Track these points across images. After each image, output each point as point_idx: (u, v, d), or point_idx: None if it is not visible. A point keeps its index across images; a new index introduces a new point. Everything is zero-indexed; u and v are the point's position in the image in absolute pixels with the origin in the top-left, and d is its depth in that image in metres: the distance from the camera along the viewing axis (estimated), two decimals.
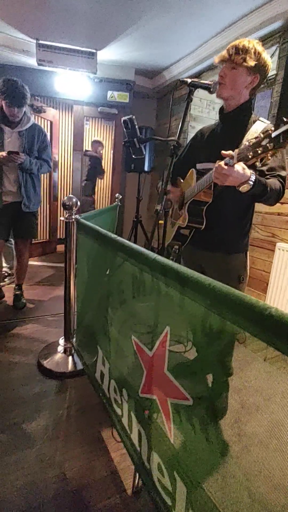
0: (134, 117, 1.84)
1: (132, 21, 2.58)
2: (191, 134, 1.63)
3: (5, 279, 2.96)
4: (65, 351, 1.83)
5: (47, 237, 4.28)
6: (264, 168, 1.11)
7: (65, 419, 1.40)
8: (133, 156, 2.01)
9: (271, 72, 2.47)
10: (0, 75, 2.12)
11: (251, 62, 1.08)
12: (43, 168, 2.34)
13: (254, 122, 1.15)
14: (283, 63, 2.35)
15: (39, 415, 1.41)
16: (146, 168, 3.53)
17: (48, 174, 4.03)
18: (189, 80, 1.15)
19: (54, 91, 3.51)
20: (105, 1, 2.31)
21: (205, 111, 3.60)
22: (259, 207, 2.43)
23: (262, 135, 0.86)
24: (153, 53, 3.19)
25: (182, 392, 0.75)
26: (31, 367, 1.75)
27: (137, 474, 1.09)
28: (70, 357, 1.80)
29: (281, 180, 1.11)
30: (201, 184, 1.17)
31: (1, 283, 2.64)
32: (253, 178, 0.98)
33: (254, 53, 1.09)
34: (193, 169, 1.27)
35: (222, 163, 0.98)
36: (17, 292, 2.55)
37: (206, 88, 1.15)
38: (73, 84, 3.50)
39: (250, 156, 0.89)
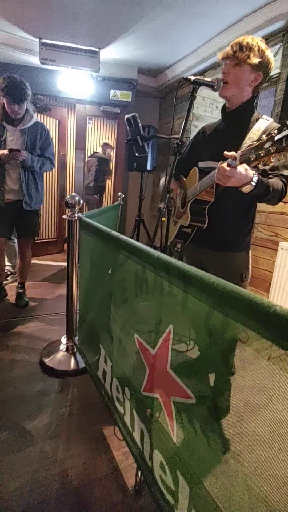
0: (137, 115, 1.83)
1: (135, 20, 2.58)
2: (194, 133, 1.63)
3: (8, 278, 2.97)
4: (67, 350, 1.83)
5: (55, 236, 4.28)
6: (267, 167, 1.11)
7: (67, 417, 1.40)
8: (136, 154, 2.00)
9: (275, 70, 2.47)
10: (3, 74, 2.11)
11: (255, 60, 1.08)
12: (45, 166, 2.33)
13: (257, 120, 1.14)
14: (287, 62, 2.34)
15: (41, 413, 1.41)
16: (148, 167, 3.52)
17: (56, 173, 4.04)
18: (192, 78, 1.15)
19: (57, 90, 3.51)
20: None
21: (208, 110, 3.59)
22: (262, 206, 2.43)
23: (265, 138, 0.86)
24: (156, 52, 3.18)
25: (185, 391, 0.75)
26: (33, 365, 1.75)
27: (139, 473, 1.09)
28: (72, 356, 1.80)
29: (283, 180, 1.10)
30: (204, 183, 1.17)
31: (4, 282, 2.65)
32: (255, 179, 0.98)
33: (258, 50, 1.09)
34: (196, 168, 1.27)
35: (224, 164, 0.98)
36: (19, 291, 2.55)
37: (210, 85, 1.14)
38: (75, 82, 3.49)
39: (252, 159, 0.90)
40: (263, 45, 1.10)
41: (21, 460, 1.17)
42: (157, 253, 0.81)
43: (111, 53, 3.25)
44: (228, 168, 0.96)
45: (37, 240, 4.00)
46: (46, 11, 2.52)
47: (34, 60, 3.16)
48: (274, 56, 2.44)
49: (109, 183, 4.83)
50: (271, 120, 1.14)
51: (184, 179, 1.39)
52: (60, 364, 1.75)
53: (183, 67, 3.36)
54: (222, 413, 0.75)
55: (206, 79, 1.16)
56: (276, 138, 0.82)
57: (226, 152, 0.98)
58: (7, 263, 2.95)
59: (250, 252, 1.31)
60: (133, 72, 3.63)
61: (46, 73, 3.40)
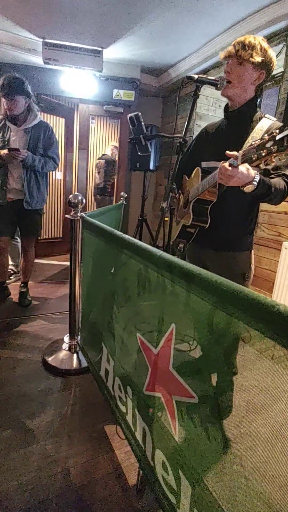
0: (140, 114, 1.83)
1: (138, 19, 2.57)
2: (197, 132, 1.62)
3: (11, 277, 2.98)
4: (70, 349, 1.83)
5: (61, 235, 4.29)
6: (269, 166, 1.11)
7: (70, 416, 1.41)
8: (139, 154, 2.00)
9: (279, 69, 2.46)
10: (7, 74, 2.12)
11: (258, 58, 1.08)
12: (48, 165, 2.32)
13: (259, 119, 1.14)
14: None
15: (43, 411, 1.41)
16: (151, 167, 3.52)
17: (62, 172, 4.05)
18: (196, 76, 1.14)
19: (60, 90, 3.51)
20: None
21: (211, 109, 3.58)
22: (265, 206, 2.41)
23: (266, 137, 0.86)
24: (159, 51, 3.18)
25: (188, 390, 0.74)
26: (36, 364, 1.76)
27: (141, 472, 1.09)
28: (75, 355, 1.81)
29: (286, 179, 1.10)
30: (206, 183, 1.17)
31: (7, 281, 2.66)
32: (257, 178, 0.98)
33: (260, 49, 1.09)
34: (198, 168, 1.27)
35: (226, 164, 0.98)
36: (22, 290, 2.56)
37: (213, 84, 1.14)
38: (79, 82, 3.50)
39: (254, 158, 0.90)
40: (265, 44, 1.11)
41: (24, 458, 1.18)
42: (159, 252, 0.81)
43: (114, 52, 3.24)
44: (230, 168, 0.96)
45: (43, 240, 4.02)
46: (49, 11, 2.53)
47: (37, 60, 3.16)
48: (277, 55, 2.44)
49: (112, 183, 4.89)
50: (274, 119, 1.13)
51: (187, 179, 1.39)
52: (63, 363, 1.75)
53: (186, 66, 3.35)
54: (225, 413, 0.74)
55: (210, 77, 1.15)
56: (278, 137, 0.82)
57: (228, 152, 0.98)
58: (10, 262, 2.96)
59: (252, 251, 1.31)
60: (136, 71, 3.62)
61: (49, 73, 3.41)
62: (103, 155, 4.81)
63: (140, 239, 3.17)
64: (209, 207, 1.21)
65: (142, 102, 3.92)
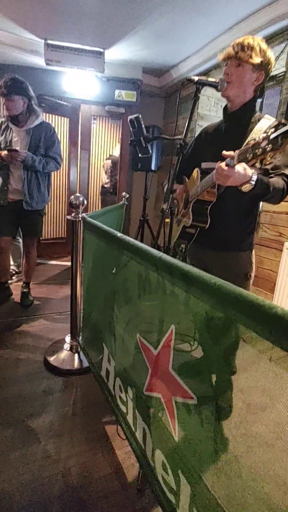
0: (140, 116, 1.84)
1: (139, 20, 2.58)
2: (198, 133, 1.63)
3: (13, 277, 3.00)
4: (71, 349, 1.84)
5: (64, 236, 4.30)
6: (269, 166, 1.11)
7: (71, 416, 1.41)
8: (140, 155, 2.01)
9: (281, 69, 2.45)
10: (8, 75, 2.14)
11: (257, 59, 1.09)
12: (49, 165, 2.31)
13: (259, 120, 1.14)
14: None
15: (44, 411, 1.42)
16: (153, 167, 3.52)
17: (65, 172, 4.05)
18: (196, 78, 1.15)
19: (62, 91, 3.52)
20: (112, 0, 2.31)
21: (213, 110, 3.58)
22: (267, 206, 2.41)
23: (261, 137, 0.86)
24: (161, 52, 3.18)
25: (187, 391, 0.75)
26: (37, 364, 1.77)
27: (142, 472, 1.09)
28: (76, 355, 1.82)
29: (285, 179, 1.10)
30: (205, 183, 1.17)
31: (9, 281, 2.67)
32: (254, 178, 0.99)
33: (259, 50, 1.10)
34: (197, 169, 1.27)
35: (223, 164, 0.99)
36: (24, 290, 2.57)
37: (213, 86, 1.14)
38: (80, 83, 3.51)
39: (250, 157, 0.90)
40: (264, 45, 1.11)
41: (25, 458, 1.19)
42: (159, 254, 0.82)
43: (116, 53, 3.25)
44: (226, 168, 0.97)
45: (46, 240, 4.03)
46: (51, 12, 2.54)
47: (39, 61, 3.17)
48: (279, 54, 2.44)
49: None
50: (273, 119, 1.13)
51: (187, 180, 1.40)
52: (64, 363, 1.76)
53: (188, 66, 3.35)
54: (225, 414, 0.75)
55: (210, 79, 1.16)
56: (272, 136, 0.83)
57: (224, 152, 0.99)
58: (12, 262, 2.97)
59: (253, 252, 1.31)
60: (137, 72, 3.63)
61: (51, 74, 3.42)
62: (110, 155, 4.86)
63: (141, 239, 3.17)
64: (209, 207, 1.22)
65: (144, 103, 3.92)
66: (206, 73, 3.29)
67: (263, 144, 0.85)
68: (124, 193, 3.04)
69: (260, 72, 1.12)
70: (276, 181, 1.07)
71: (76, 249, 1.72)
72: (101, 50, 3.14)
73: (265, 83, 1.17)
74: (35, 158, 2.21)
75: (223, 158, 1.01)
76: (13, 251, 2.92)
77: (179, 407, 0.79)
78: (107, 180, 4.77)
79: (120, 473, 1.16)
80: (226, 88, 1.14)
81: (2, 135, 2.25)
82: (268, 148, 0.84)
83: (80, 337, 1.84)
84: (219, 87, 1.14)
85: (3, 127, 2.26)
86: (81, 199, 1.62)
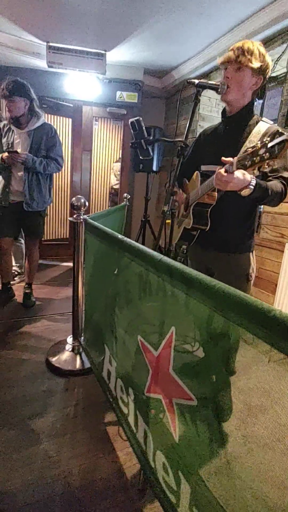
0: (141, 118, 1.85)
1: (141, 22, 2.59)
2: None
3: (15, 278, 3.01)
4: (73, 350, 1.85)
5: (67, 237, 4.31)
6: (267, 169, 1.12)
7: (72, 417, 1.42)
8: (141, 158, 2.02)
9: (282, 70, 2.45)
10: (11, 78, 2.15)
11: (256, 64, 1.10)
12: (50, 166, 2.33)
13: (257, 123, 1.16)
14: None
15: (46, 412, 1.43)
16: (154, 168, 3.53)
17: (68, 173, 4.06)
18: (196, 81, 1.15)
19: (64, 92, 3.54)
20: (114, 2, 2.32)
21: (214, 111, 3.58)
22: (268, 207, 2.41)
23: (259, 145, 0.89)
24: (162, 53, 3.19)
25: (187, 392, 0.75)
26: (39, 365, 1.78)
27: (143, 472, 1.10)
28: (78, 356, 1.82)
29: (283, 182, 1.11)
30: (205, 187, 1.19)
31: (11, 282, 2.69)
32: (253, 182, 1.00)
33: (259, 54, 1.11)
34: (198, 172, 1.29)
35: (222, 170, 1.01)
36: (26, 291, 2.58)
37: (214, 88, 1.15)
38: (82, 85, 3.52)
39: (248, 165, 0.93)
40: (262, 49, 1.13)
41: (27, 458, 1.20)
42: (160, 256, 0.82)
43: (117, 55, 3.26)
44: (225, 174, 0.99)
45: (48, 241, 4.04)
46: (53, 14, 2.55)
47: (41, 63, 3.19)
48: (281, 55, 2.44)
49: None
50: (271, 122, 1.16)
51: (187, 182, 1.41)
52: (66, 363, 1.77)
53: (189, 68, 3.35)
54: (225, 415, 0.75)
55: (210, 82, 1.17)
56: (269, 145, 0.86)
57: (223, 158, 1.01)
58: (14, 263, 2.99)
59: (253, 253, 1.32)
60: (139, 73, 3.64)
61: (53, 76, 3.44)
62: (119, 158, 4.91)
63: (143, 240, 3.18)
64: (209, 210, 1.23)
65: (145, 104, 3.93)
66: (207, 74, 3.29)
67: (261, 152, 0.88)
68: (125, 194, 3.05)
69: (258, 77, 1.14)
70: (274, 184, 1.08)
71: (78, 250, 1.73)
72: (103, 52, 3.16)
73: (265, 86, 1.18)
74: (36, 160, 2.23)
75: (222, 162, 1.02)
76: (15, 252, 2.94)
77: (180, 408, 0.79)
78: (116, 182, 4.84)
79: (121, 473, 1.17)
80: (226, 92, 1.15)
81: (4, 137, 2.27)
82: (266, 156, 0.87)
83: (82, 338, 1.85)
84: (219, 90, 1.15)
85: (5, 129, 2.28)
86: (82, 200, 1.63)
